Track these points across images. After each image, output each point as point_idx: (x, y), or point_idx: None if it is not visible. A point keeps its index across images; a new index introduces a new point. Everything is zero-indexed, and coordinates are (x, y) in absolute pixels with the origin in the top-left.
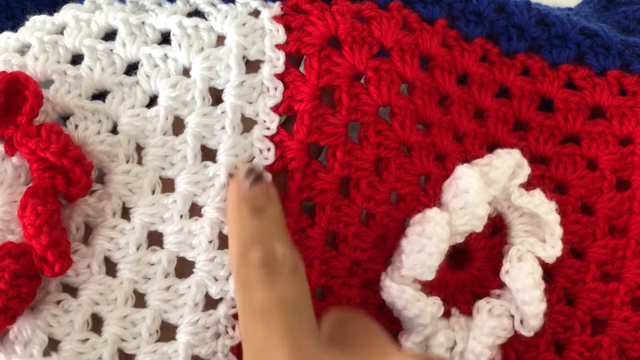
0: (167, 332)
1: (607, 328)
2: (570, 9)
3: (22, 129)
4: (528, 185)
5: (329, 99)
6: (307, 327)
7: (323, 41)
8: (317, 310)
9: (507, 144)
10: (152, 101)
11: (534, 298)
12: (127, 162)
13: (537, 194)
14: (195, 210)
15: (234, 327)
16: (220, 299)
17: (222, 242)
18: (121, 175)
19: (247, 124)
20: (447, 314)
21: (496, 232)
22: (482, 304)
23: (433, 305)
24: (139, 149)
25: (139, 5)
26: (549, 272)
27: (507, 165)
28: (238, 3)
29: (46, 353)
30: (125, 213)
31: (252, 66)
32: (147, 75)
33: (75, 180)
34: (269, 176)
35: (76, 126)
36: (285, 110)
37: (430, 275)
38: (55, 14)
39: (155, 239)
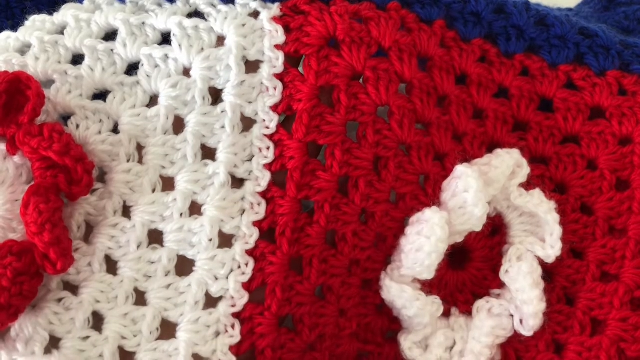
0: (167, 330)
1: (607, 328)
2: (570, 9)
3: (24, 128)
4: (528, 185)
5: (327, 98)
6: None
7: (322, 41)
8: (316, 310)
9: (507, 144)
10: (153, 101)
11: (534, 297)
12: (128, 161)
13: (537, 193)
14: (195, 209)
15: (233, 326)
16: (221, 298)
17: (222, 240)
18: (122, 174)
19: (247, 123)
20: (446, 314)
21: (496, 232)
22: (482, 304)
23: (432, 304)
24: (140, 148)
25: (139, 6)
26: (549, 271)
27: (507, 165)
28: (238, 4)
29: (47, 350)
30: (126, 211)
31: (251, 66)
32: (147, 75)
33: (77, 179)
34: None
35: (77, 126)
36: (285, 109)
37: (429, 275)
38: (55, 14)
39: (155, 237)
